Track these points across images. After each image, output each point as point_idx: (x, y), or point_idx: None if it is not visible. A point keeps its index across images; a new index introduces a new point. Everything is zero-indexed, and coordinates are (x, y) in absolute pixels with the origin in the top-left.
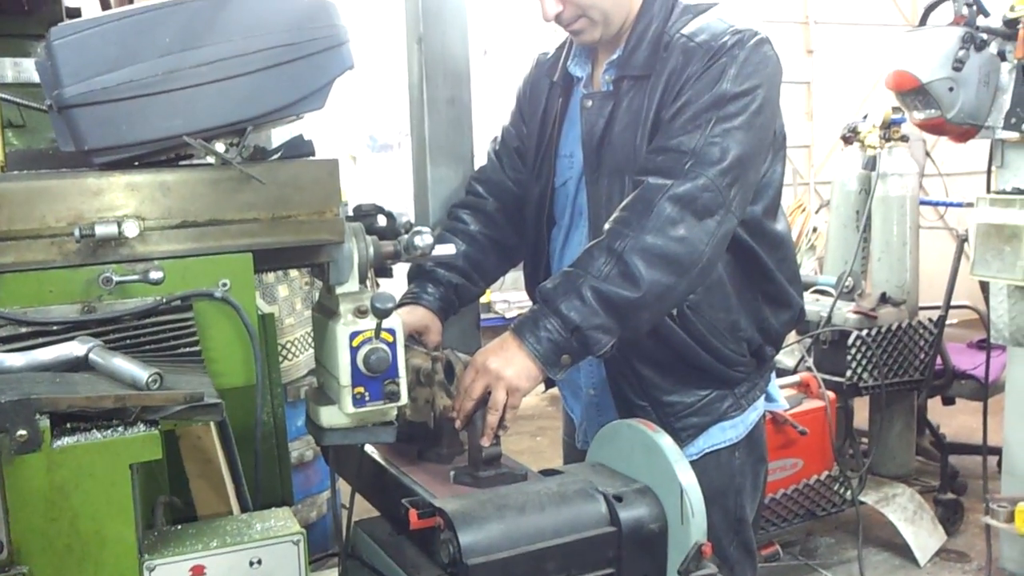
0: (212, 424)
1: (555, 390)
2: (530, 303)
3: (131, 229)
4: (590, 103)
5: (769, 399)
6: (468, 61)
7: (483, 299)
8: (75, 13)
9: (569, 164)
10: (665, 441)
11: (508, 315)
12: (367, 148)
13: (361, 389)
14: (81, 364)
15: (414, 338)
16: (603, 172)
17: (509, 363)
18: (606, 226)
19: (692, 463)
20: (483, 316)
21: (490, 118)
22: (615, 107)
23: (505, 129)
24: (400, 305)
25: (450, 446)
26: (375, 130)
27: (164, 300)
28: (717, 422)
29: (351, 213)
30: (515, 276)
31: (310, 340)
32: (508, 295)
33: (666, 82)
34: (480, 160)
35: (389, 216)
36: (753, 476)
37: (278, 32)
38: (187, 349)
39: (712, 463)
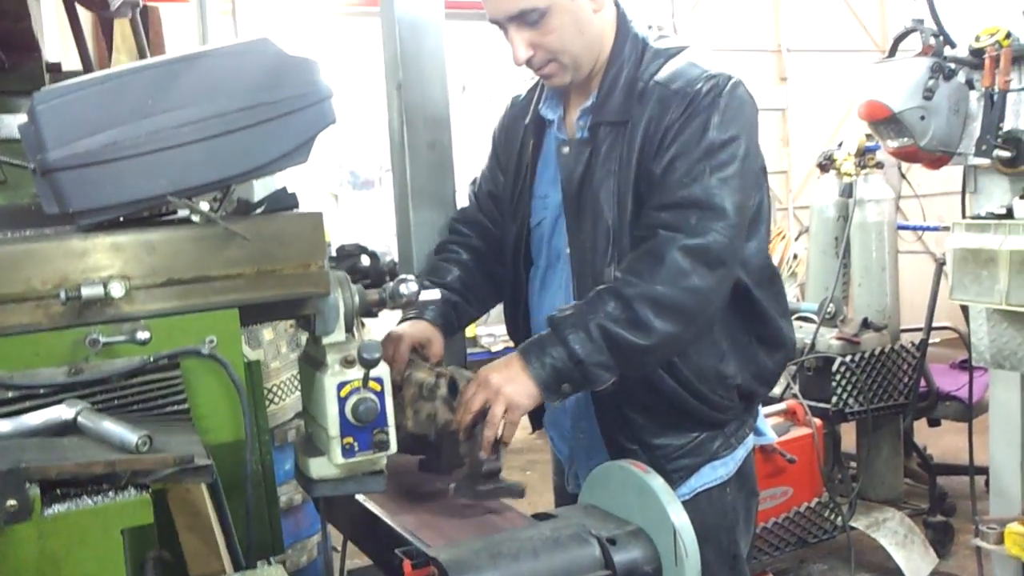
0: None
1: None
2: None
3: (117, 289)
4: (567, 150)
5: (758, 433)
6: (448, 105)
7: (469, 333)
8: (56, 68)
9: (543, 205)
10: (657, 482)
11: (494, 349)
12: (348, 185)
13: (350, 439)
14: (70, 427)
15: (417, 351)
16: (584, 217)
17: (511, 380)
18: (616, 274)
19: (684, 502)
20: (469, 351)
21: (471, 155)
22: (593, 154)
23: (482, 172)
24: (403, 320)
25: (450, 460)
26: (356, 166)
27: (151, 359)
28: (708, 462)
29: (335, 254)
30: (500, 310)
31: (296, 383)
32: (493, 329)
33: (645, 129)
34: (462, 201)
35: (373, 256)
36: (745, 511)
37: (260, 90)
38: (175, 408)
39: (704, 501)
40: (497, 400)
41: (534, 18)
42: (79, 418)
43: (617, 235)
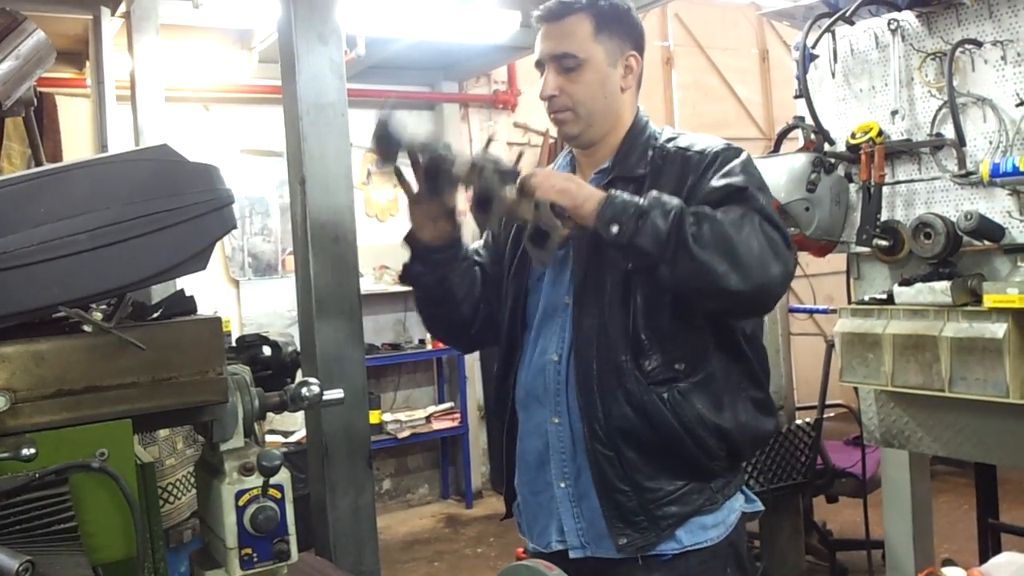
0: None
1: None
2: (423, 418)
3: (0, 403)
4: None
5: (749, 500)
6: (352, 200)
7: (373, 419)
8: None
9: None
10: None
11: (400, 435)
12: (249, 270)
13: (249, 550)
14: None
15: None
16: (592, 263)
17: (582, 186)
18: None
19: (675, 558)
20: (374, 438)
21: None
22: None
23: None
24: None
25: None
26: (258, 250)
27: (37, 475)
28: (695, 515)
29: (234, 344)
30: (407, 394)
31: (192, 480)
32: (400, 415)
33: (668, 184)
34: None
35: (274, 346)
36: None
37: (160, 198)
38: (62, 526)
39: (695, 563)
40: (560, 179)
41: (570, 65)
42: None
43: (627, 279)
